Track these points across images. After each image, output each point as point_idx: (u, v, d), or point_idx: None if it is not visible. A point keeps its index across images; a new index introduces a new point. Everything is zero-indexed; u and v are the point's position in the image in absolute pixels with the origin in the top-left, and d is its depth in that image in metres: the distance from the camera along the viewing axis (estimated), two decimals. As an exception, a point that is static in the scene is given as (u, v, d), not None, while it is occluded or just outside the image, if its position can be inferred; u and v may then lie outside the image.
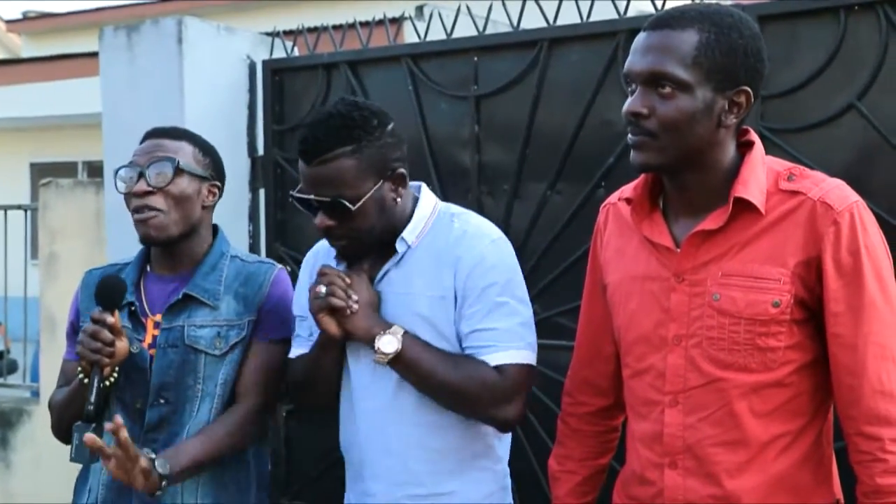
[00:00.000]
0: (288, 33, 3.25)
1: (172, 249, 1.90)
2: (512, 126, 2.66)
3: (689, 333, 1.46)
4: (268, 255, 3.04)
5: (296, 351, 1.85)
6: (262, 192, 3.10)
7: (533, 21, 2.64)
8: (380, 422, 1.74)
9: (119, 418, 1.64)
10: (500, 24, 2.83)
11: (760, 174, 1.44)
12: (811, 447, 1.46)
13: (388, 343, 1.65)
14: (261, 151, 3.09)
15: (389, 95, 2.83)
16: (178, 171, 1.84)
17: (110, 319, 1.74)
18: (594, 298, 1.68)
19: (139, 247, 1.94)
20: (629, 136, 1.45)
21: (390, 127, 1.70)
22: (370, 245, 1.71)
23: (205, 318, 1.87)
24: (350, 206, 1.64)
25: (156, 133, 1.91)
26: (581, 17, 2.55)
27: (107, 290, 1.79)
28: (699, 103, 1.39)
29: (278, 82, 3.07)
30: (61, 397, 1.90)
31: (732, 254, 1.44)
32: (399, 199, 1.71)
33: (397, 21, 3.20)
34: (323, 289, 1.67)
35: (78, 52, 10.09)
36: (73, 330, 1.95)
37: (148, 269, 1.93)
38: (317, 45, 3.00)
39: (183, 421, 1.85)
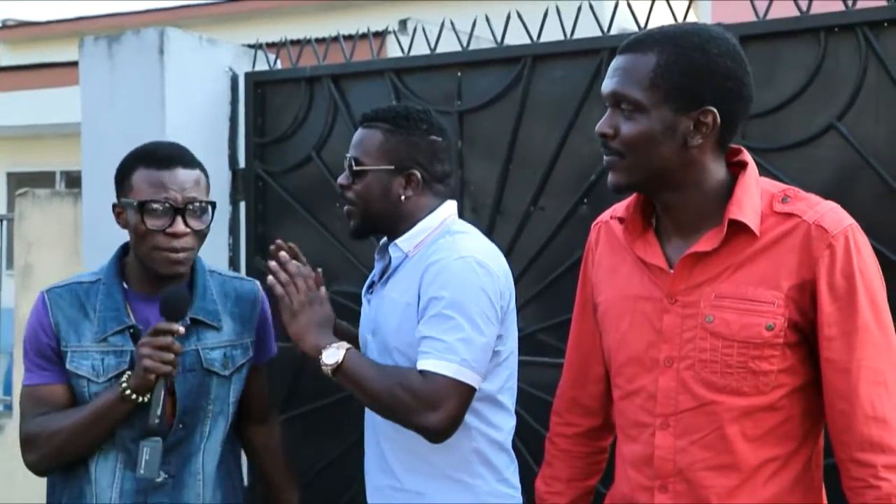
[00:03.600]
0: (271, 45, 3.24)
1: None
2: (495, 141, 2.66)
3: (682, 355, 1.45)
4: (248, 269, 3.02)
5: None
6: (242, 205, 3.08)
7: (516, 37, 2.64)
8: (371, 415, 1.84)
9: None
10: (482, 41, 2.83)
11: (755, 195, 1.43)
12: (801, 471, 1.45)
13: (331, 355, 1.71)
14: (242, 164, 3.07)
15: (372, 109, 2.82)
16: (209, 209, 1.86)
17: (179, 329, 1.75)
18: (584, 318, 1.67)
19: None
20: (604, 157, 1.48)
21: (434, 139, 1.84)
22: (366, 221, 1.84)
23: (213, 340, 1.89)
24: (359, 164, 1.80)
25: (179, 161, 1.83)
26: (565, 34, 2.56)
27: (172, 301, 1.78)
28: (657, 124, 1.40)
29: (260, 95, 3.05)
30: (71, 422, 1.78)
31: (726, 276, 1.43)
32: (405, 198, 1.81)
33: (381, 35, 3.20)
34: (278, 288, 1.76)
35: (57, 61, 10.02)
36: (53, 354, 1.82)
37: (125, 286, 1.88)
38: (300, 58, 3.00)
39: (196, 442, 1.86)
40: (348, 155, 1.85)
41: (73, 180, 10.65)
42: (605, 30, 2.51)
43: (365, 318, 1.90)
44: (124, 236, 1.90)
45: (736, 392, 1.41)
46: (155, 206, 1.78)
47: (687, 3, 2.48)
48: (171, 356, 1.72)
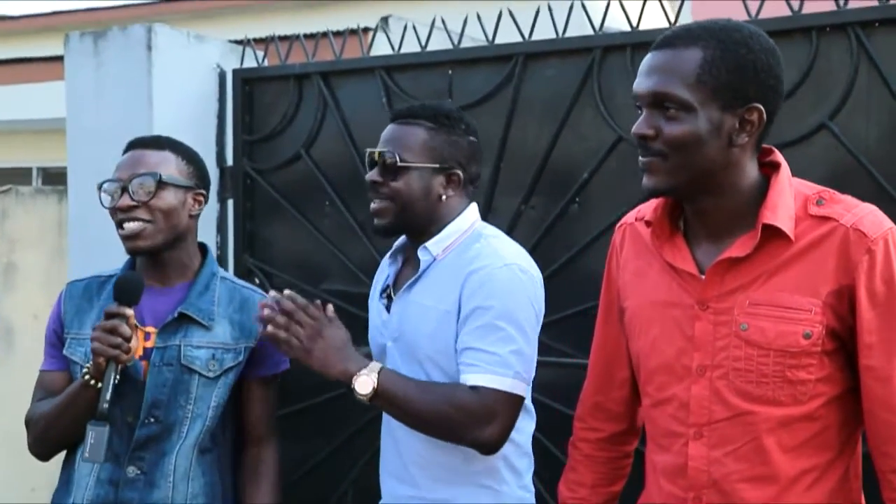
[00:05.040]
0: (259, 41, 3.21)
1: (161, 259, 1.88)
2: (486, 140, 2.63)
3: (715, 364, 1.40)
4: (236, 267, 2.99)
5: None
6: (230, 202, 3.05)
7: (507, 36, 2.64)
8: (392, 422, 1.79)
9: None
10: (468, 40, 2.82)
11: (789, 198, 1.39)
12: (840, 481, 1.41)
13: (363, 384, 1.63)
14: (230, 162, 3.05)
15: (362, 107, 2.81)
16: (161, 184, 1.83)
17: (129, 312, 1.73)
18: (609, 322, 1.63)
19: (101, 258, 1.95)
20: (639, 158, 1.41)
21: (472, 139, 1.83)
22: (400, 219, 1.77)
23: (200, 339, 1.86)
24: (402, 159, 1.75)
25: (138, 144, 1.90)
26: (557, 33, 2.55)
27: (125, 285, 1.77)
28: (705, 123, 1.35)
29: (248, 92, 3.02)
30: (50, 408, 1.84)
31: (760, 282, 1.38)
32: (445, 198, 1.78)
33: (368, 32, 3.18)
34: (271, 328, 1.66)
35: (34, 55, 9.88)
36: (58, 340, 1.91)
37: None
38: (288, 55, 2.97)
39: (172, 441, 1.83)
40: (381, 150, 1.78)
41: (50, 177, 10.52)
42: (598, 29, 2.51)
43: (383, 325, 1.83)
44: (110, 234, 1.90)
45: (772, 402, 1.37)
46: (106, 185, 1.85)
47: (679, 1, 2.47)
48: (117, 340, 1.69)
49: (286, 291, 1.71)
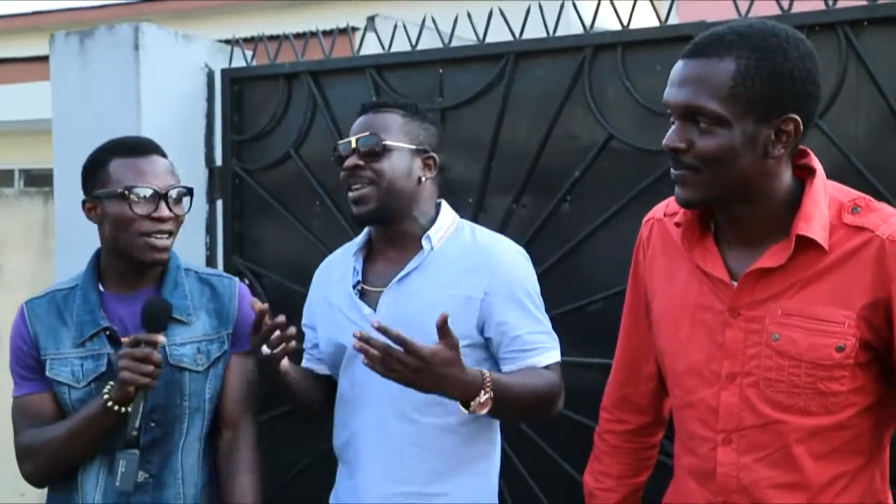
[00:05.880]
0: (247, 41, 3.19)
1: (140, 268, 1.86)
2: (477, 139, 2.65)
3: (745, 371, 1.39)
4: (225, 268, 2.97)
5: (304, 363, 1.95)
6: (219, 203, 3.03)
7: (498, 35, 2.63)
8: (381, 416, 1.78)
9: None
10: (457, 40, 2.81)
11: (823, 207, 1.35)
12: (869, 484, 1.40)
13: (482, 406, 1.62)
14: (219, 162, 3.03)
15: (352, 106, 2.74)
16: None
17: (161, 339, 1.72)
18: (636, 316, 1.62)
19: (87, 259, 1.90)
20: (672, 170, 1.39)
21: (434, 129, 1.91)
22: (384, 202, 1.78)
23: (182, 336, 1.85)
24: (383, 140, 1.78)
25: (154, 149, 1.87)
26: (547, 32, 2.55)
27: (155, 310, 1.76)
28: (740, 137, 1.31)
29: (237, 92, 3.01)
30: (60, 433, 1.78)
31: (793, 292, 1.35)
32: (424, 180, 1.84)
33: (357, 31, 3.17)
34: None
35: (15, 56, 9.79)
36: (35, 362, 1.82)
37: (101, 288, 1.87)
38: (277, 54, 2.96)
39: (174, 440, 1.83)
40: (360, 136, 1.81)
41: (33, 178, 10.44)
42: (588, 27, 2.51)
43: (363, 319, 1.80)
44: (97, 235, 1.87)
45: (803, 412, 1.35)
46: (140, 191, 1.79)
47: (668, 1, 2.48)
48: (150, 368, 1.69)
49: (374, 322, 1.56)
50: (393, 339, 1.52)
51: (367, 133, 1.80)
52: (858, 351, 1.33)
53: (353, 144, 1.81)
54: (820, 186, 1.38)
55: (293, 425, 2.82)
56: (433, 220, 1.85)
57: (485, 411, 1.62)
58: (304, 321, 1.99)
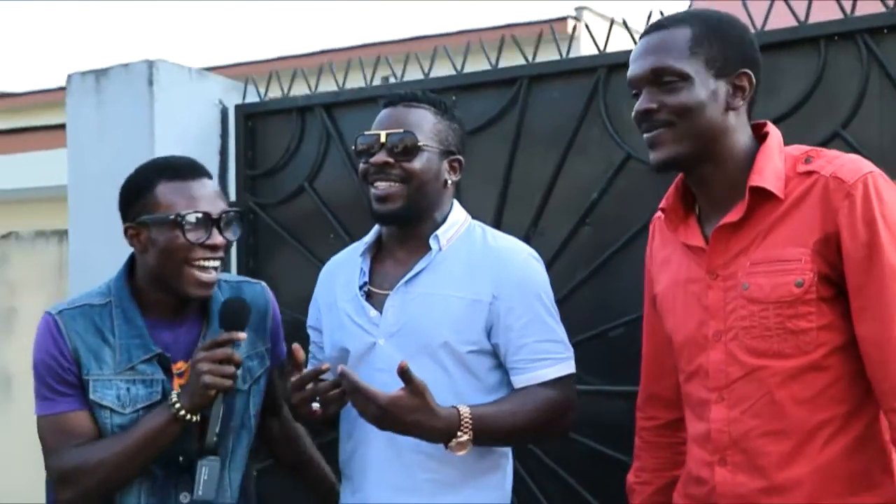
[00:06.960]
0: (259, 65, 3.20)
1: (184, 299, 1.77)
2: (492, 165, 2.62)
3: (727, 328, 1.47)
4: (239, 304, 2.92)
5: (309, 365, 1.84)
6: (233, 238, 3.01)
7: (511, 59, 2.62)
8: (393, 435, 1.65)
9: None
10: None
11: (776, 160, 1.46)
12: (862, 435, 1.42)
13: (461, 446, 1.61)
14: (233, 197, 3.01)
15: (366, 137, 2.78)
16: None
17: (243, 336, 1.67)
18: (652, 314, 1.70)
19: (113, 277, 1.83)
20: (644, 135, 1.50)
21: (461, 129, 1.84)
22: (412, 202, 1.71)
23: None
24: (416, 139, 1.70)
25: (203, 172, 1.77)
26: (560, 54, 2.53)
27: (235, 309, 1.70)
28: (703, 90, 1.45)
29: (251, 127, 3.01)
30: (117, 449, 1.65)
31: (758, 243, 1.45)
32: (449, 184, 1.78)
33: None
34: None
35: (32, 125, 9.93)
36: (75, 378, 1.69)
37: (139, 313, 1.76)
38: (290, 88, 2.96)
39: (221, 458, 1.73)
40: (393, 131, 1.71)
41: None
42: (602, 49, 2.50)
43: (369, 322, 1.74)
44: (111, 272, 1.80)
45: (779, 354, 1.41)
46: (193, 218, 1.68)
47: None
48: (231, 369, 1.64)
49: (339, 368, 1.60)
50: (349, 384, 1.55)
51: (402, 130, 1.71)
52: (818, 285, 1.39)
53: (382, 139, 1.71)
54: (774, 145, 1.49)
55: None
56: (445, 219, 1.79)
57: (464, 452, 1.60)
58: (308, 322, 1.93)
